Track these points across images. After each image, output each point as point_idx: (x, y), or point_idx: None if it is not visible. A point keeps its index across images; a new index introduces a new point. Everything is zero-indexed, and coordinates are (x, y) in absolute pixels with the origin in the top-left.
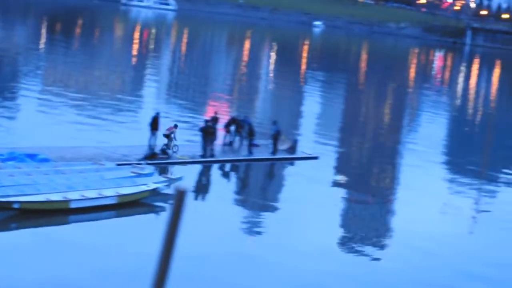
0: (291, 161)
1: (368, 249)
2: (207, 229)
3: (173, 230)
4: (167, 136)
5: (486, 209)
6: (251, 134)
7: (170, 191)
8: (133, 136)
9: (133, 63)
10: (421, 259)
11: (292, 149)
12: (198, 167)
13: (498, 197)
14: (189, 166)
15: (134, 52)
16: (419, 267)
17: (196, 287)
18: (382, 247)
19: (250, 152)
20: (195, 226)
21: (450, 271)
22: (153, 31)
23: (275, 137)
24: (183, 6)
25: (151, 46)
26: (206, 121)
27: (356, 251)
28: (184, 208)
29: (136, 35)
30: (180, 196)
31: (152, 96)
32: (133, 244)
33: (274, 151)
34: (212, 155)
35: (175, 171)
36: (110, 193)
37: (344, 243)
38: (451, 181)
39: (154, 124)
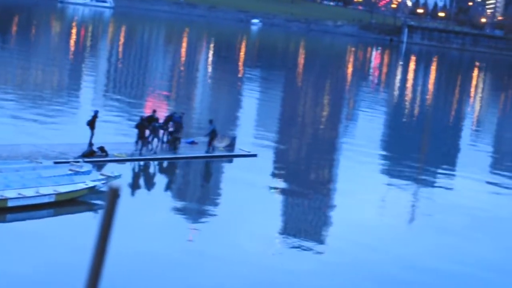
0: (229, 158)
1: (302, 255)
2: (138, 229)
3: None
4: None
5: (424, 213)
6: (176, 131)
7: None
8: (70, 134)
9: (70, 61)
10: (354, 264)
11: (230, 146)
12: (136, 165)
13: (436, 200)
14: (128, 164)
15: (71, 50)
16: (351, 272)
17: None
18: (316, 253)
19: (175, 149)
20: (124, 226)
21: (381, 276)
22: (90, 28)
23: (211, 136)
24: (120, 3)
25: (88, 44)
26: (142, 118)
27: (290, 256)
28: (117, 207)
29: (73, 33)
30: (113, 195)
31: (89, 94)
32: (70, 243)
33: (211, 149)
34: (145, 152)
35: (113, 169)
36: (47, 191)
37: (280, 247)
38: (390, 184)
39: (92, 123)
